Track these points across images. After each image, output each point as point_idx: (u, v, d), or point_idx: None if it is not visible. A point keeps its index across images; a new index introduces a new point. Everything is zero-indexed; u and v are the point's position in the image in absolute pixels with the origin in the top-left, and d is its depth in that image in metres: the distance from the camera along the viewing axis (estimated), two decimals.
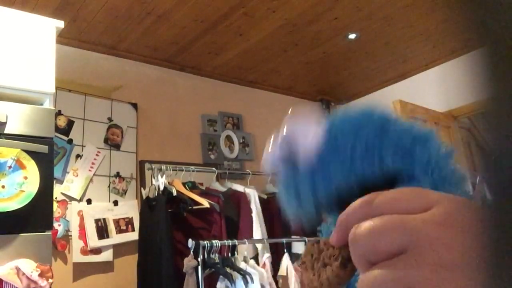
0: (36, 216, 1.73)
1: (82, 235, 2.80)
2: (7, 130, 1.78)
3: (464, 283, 0.22)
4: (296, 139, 0.47)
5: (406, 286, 0.23)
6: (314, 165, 0.47)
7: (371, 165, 0.45)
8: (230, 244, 2.47)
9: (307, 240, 2.93)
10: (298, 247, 2.95)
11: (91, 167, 2.97)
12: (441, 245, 0.23)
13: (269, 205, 3.19)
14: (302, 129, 0.48)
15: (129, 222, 3.00)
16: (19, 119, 1.82)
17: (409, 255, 0.24)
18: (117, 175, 3.08)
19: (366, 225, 0.26)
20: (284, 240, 2.77)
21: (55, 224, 2.66)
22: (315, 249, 0.35)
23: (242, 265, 2.49)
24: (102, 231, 2.87)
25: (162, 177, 2.69)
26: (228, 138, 3.79)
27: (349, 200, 0.30)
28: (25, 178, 1.73)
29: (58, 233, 2.70)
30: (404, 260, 0.24)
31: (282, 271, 2.69)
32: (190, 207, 2.63)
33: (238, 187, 3.09)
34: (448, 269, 0.22)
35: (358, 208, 0.28)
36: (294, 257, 2.86)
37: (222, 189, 3.01)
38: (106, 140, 3.10)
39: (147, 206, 2.72)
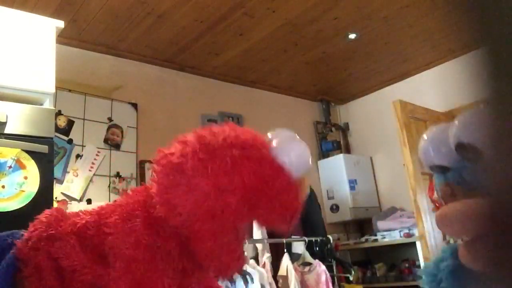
0: (36, 216, 1.73)
1: None
2: (7, 130, 1.78)
3: None
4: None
5: None
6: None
7: None
8: None
9: (306, 240, 2.93)
10: (298, 247, 2.95)
11: (91, 167, 2.97)
12: None
13: None
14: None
15: None
16: (19, 119, 1.82)
17: None
18: (117, 175, 3.08)
19: None
20: (284, 240, 2.77)
21: None
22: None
23: None
24: None
25: None
26: None
27: None
28: (25, 178, 1.73)
29: None
30: None
31: (282, 271, 2.69)
32: None
33: None
34: None
35: None
36: (294, 257, 2.86)
37: None
38: (106, 140, 3.10)
39: None
